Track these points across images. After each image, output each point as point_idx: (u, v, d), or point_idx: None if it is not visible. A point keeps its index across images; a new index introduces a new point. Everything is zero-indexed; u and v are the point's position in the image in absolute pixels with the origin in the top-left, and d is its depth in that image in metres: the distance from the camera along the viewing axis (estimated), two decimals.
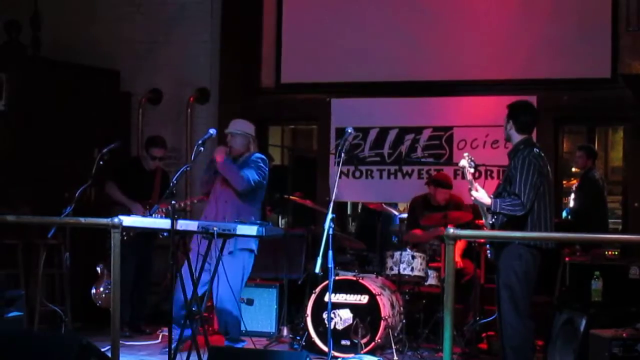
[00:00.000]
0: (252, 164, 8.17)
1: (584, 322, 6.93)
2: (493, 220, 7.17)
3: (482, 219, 7.42)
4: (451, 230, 5.34)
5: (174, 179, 7.10)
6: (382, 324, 8.30)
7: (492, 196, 7.11)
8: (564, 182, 11.72)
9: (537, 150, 7.13)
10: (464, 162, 7.05)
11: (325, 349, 7.86)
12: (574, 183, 11.63)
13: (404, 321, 8.73)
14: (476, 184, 7.07)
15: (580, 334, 6.89)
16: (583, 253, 8.98)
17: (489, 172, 9.83)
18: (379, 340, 8.34)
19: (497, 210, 6.98)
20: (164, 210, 8.98)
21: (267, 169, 8.29)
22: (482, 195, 7.04)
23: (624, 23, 9.83)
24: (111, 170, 9.46)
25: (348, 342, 8.34)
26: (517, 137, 7.21)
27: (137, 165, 9.84)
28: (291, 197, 9.82)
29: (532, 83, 10.42)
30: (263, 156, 8.35)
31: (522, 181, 6.92)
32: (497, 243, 7.17)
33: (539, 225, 7.00)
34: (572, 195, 11.41)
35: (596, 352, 6.59)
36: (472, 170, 7.05)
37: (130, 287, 9.34)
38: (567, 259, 8.72)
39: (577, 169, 11.02)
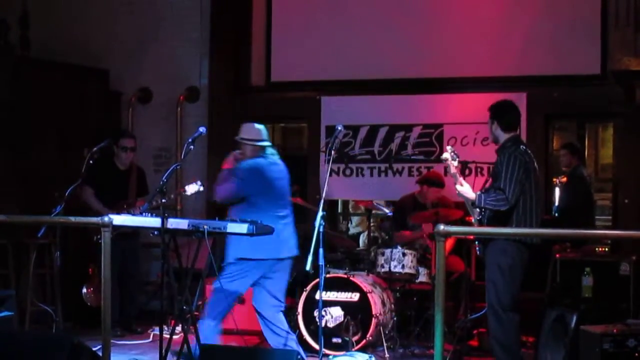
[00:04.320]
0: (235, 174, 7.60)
1: (574, 318, 6.94)
2: (481, 216, 7.21)
3: (472, 216, 7.43)
4: (441, 227, 5.34)
5: (164, 177, 7.07)
6: (373, 321, 8.31)
7: (479, 192, 7.15)
8: (554, 178, 11.72)
9: (524, 148, 7.21)
10: (446, 155, 7.09)
11: (317, 346, 7.85)
12: (565, 180, 11.62)
13: (395, 318, 8.75)
14: (461, 178, 7.12)
15: (571, 330, 6.90)
16: (573, 250, 8.99)
17: (479, 169, 9.84)
18: (370, 338, 8.34)
19: (482, 205, 7.05)
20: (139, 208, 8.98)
21: (249, 178, 7.49)
22: (466, 189, 7.10)
23: (614, 19, 9.86)
24: (85, 175, 9.31)
25: (339, 340, 8.35)
26: (503, 136, 7.29)
27: (110, 166, 9.73)
28: None
29: (522, 80, 10.45)
30: (249, 166, 7.54)
31: (508, 176, 6.98)
32: (484, 239, 7.23)
33: (524, 220, 7.06)
34: (558, 193, 11.41)
35: (587, 348, 6.59)
36: (455, 163, 7.07)
37: (116, 286, 9.28)
38: (557, 255, 8.74)
39: (565, 168, 11.01)
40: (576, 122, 12.17)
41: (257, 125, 7.73)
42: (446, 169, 7.24)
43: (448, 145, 7.32)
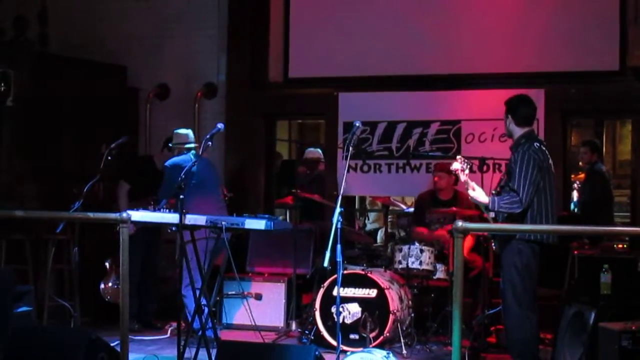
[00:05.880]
0: None
1: (593, 315, 6.92)
2: (495, 215, 7.23)
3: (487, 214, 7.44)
4: (460, 223, 5.33)
5: (182, 173, 7.10)
6: (391, 317, 8.30)
7: (493, 191, 7.16)
8: (572, 175, 11.69)
9: (538, 145, 7.16)
10: (457, 165, 7.06)
11: (334, 342, 7.86)
12: (582, 176, 11.60)
13: (412, 315, 8.74)
14: (473, 183, 7.10)
15: (589, 327, 6.87)
16: (592, 246, 8.97)
17: (497, 166, 9.80)
18: (388, 334, 8.34)
19: (496, 209, 7.06)
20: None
21: (169, 174, 8.62)
22: (479, 194, 7.09)
23: (633, 15, 9.80)
24: (124, 169, 9.46)
25: (357, 336, 8.35)
26: (518, 131, 7.27)
27: (149, 165, 9.78)
28: (299, 191, 9.83)
29: (540, 76, 10.39)
30: (166, 164, 8.88)
31: (522, 177, 6.96)
32: (500, 238, 7.24)
33: (539, 219, 7.07)
34: (577, 189, 11.39)
35: (605, 345, 6.57)
36: (467, 171, 7.05)
37: (137, 281, 9.33)
38: (575, 252, 8.71)
39: (584, 164, 11.00)
40: (594, 119, 12.14)
41: (183, 131, 9.21)
42: (457, 176, 7.24)
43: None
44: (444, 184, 9.46)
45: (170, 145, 9.29)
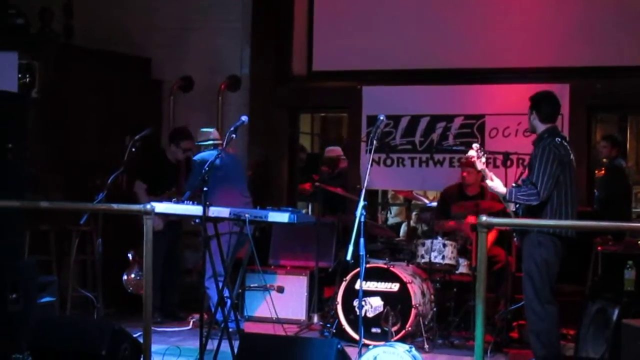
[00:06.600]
0: None
1: (616, 311, 6.90)
2: (516, 208, 7.24)
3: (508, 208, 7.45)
4: (484, 218, 5.32)
5: (206, 166, 7.10)
6: (413, 312, 8.30)
7: (513, 184, 7.17)
8: (596, 171, 11.63)
9: (559, 140, 7.19)
10: (472, 152, 7.13)
11: (356, 336, 7.85)
12: (602, 173, 11.54)
13: (434, 309, 8.73)
14: (491, 174, 7.17)
15: (613, 323, 6.85)
16: (615, 242, 8.92)
17: (520, 161, 9.77)
18: (410, 328, 8.33)
19: (513, 200, 7.11)
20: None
21: (196, 168, 8.61)
22: (497, 184, 7.14)
23: None
24: (138, 168, 9.47)
25: (379, 330, 8.35)
26: (541, 127, 7.32)
27: (161, 159, 9.82)
28: (322, 184, 9.83)
29: (565, 71, 10.37)
30: (194, 158, 8.99)
31: (541, 170, 7.00)
32: (520, 231, 7.25)
33: (558, 213, 7.08)
34: (597, 184, 11.35)
35: (629, 342, 6.53)
36: (483, 159, 7.10)
37: (159, 273, 9.35)
38: (599, 248, 8.67)
39: (604, 159, 10.94)
40: (618, 114, 12.08)
41: (207, 129, 9.27)
42: (473, 164, 7.27)
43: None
44: (472, 180, 9.44)
45: (197, 143, 9.31)
